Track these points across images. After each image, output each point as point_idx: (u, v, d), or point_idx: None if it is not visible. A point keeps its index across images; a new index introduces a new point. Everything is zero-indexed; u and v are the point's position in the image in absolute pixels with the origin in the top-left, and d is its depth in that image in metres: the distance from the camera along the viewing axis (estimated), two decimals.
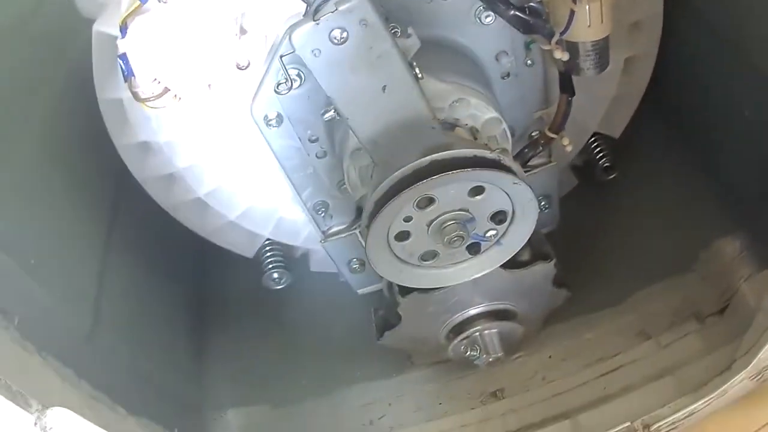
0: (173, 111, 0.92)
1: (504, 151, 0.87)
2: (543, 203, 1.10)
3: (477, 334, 1.02)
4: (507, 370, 1.13)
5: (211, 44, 0.88)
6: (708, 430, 1.06)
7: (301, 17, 0.76)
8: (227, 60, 0.90)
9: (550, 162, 1.06)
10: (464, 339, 1.03)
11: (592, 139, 1.21)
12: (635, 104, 1.15)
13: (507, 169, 0.79)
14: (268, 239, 1.13)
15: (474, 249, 0.88)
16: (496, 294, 1.02)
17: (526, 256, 1.02)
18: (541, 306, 1.08)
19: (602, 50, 0.91)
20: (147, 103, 0.89)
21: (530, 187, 0.82)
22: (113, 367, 0.97)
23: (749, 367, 0.98)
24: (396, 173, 0.78)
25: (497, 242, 0.88)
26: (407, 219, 0.82)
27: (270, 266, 1.13)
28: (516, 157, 1.00)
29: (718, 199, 1.13)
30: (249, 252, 1.14)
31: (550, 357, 1.14)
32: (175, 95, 0.89)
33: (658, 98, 1.17)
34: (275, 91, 0.83)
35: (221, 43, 0.88)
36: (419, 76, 0.77)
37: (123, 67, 0.88)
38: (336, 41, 0.72)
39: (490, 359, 1.02)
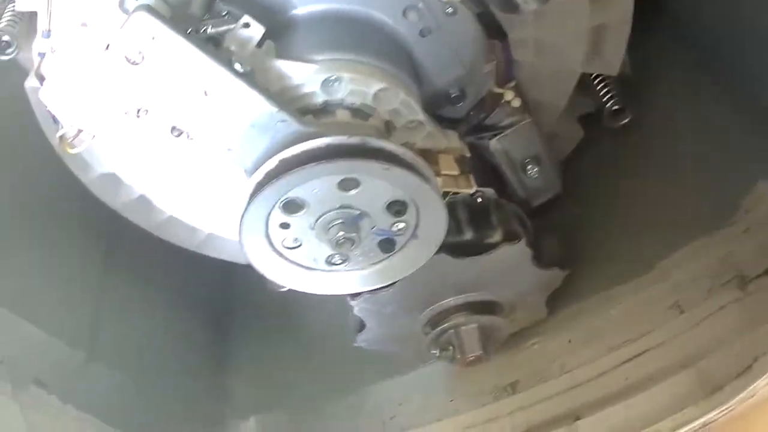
0: (109, 143, 0.89)
1: (385, 128, 0.73)
2: (530, 168, 0.91)
3: (452, 331, 0.87)
4: (523, 359, 0.96)
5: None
6: None
7: None
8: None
9: (525, 119, 0.87)
10: (440, 336, 0.89)
11: (598, 79, 0.97)
12: (626, 32, 0.88)
13: (372, 154, 0.65)
14: None
15: (387, 246, 0.74)
16: (466, 286, 0.85)
17: (497, 237, 0.85)
18: (532, 291, 0.89)
19: None
20: (68, 147, 0.86)
21: (415, 167, 0.67)
22: (112, 391, 0.97)
23: None
24: (249, 181, 0.68)
25: (413, 235, 0.74)
26: (284, 225, 0.70)
27: None
28: (463, 124, 0.84)
29: (759, 134, 0.85)
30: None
31: (569, 341, 0.94)
32: (91, 134, 0.85)
33: (671, 18, 0.92)
34: None
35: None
36: (240, 70, 0.64)
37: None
38: (134, 62, 0.63)
39: (470, 359, 0.87)
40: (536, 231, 0.90)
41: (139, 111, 0.72)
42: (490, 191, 0.85)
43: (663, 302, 0.89)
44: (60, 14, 0.78)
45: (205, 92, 0.65)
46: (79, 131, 0.83)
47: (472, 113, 0.83)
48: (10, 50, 0.88)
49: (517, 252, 0.83)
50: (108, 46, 0.64)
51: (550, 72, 0.90)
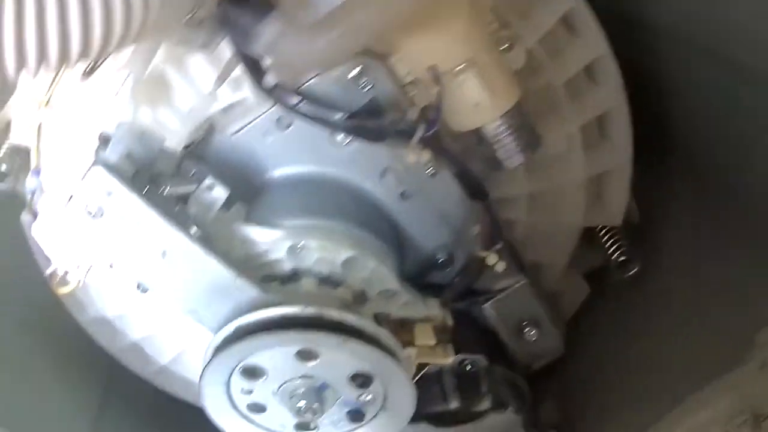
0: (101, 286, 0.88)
1: (358, 299, 0.69)
2: (527, 331, 0.85)
3: None
4: None
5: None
6: None
7: None
8: None
9: (519, 281, 0.82)
10: None
11: (603, 230, 0.91)
12: (627, 178, 0.85)
13: (328, 327, 0.62)
14: None
15: (356, 416, 0.69)
16: None
17: (485, 405, 0.79)
18: None
19: (518, 126, 0.67)
20: (59, 286, 0.86)
21: (377, 340, 0.63)
22: None
23: None
24: (207, 348, 0.65)
25: (383, 407, 0.69)
26: (246, 391, 0.66)
27: None
28: (449, 290, 0.80)
29: None
30: None
31: None
32: (77, 278, 0.84)
33: (682, 158, 0.88)
34: None
35: None
36: (193, 232, 0.63)
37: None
38: (95, 216, 0.63)
39: None
40: (537, 393, 0.84)
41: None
42: (479, 358, 0.80)
43: None
44: (48, 152, 0.79)
45: (164, 253, 0.63)
46: (66, 272, 0.82)
47: (457, 280, 0.79)
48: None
49: (506, 420, 0.77)
50: (71, 197, 0.63)
51: (547, 229, 0.86)
